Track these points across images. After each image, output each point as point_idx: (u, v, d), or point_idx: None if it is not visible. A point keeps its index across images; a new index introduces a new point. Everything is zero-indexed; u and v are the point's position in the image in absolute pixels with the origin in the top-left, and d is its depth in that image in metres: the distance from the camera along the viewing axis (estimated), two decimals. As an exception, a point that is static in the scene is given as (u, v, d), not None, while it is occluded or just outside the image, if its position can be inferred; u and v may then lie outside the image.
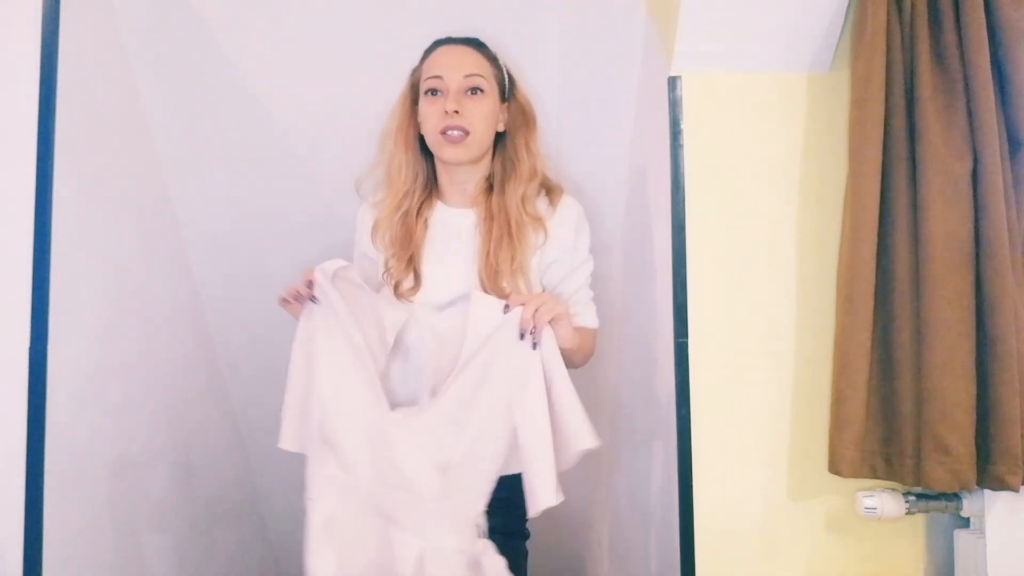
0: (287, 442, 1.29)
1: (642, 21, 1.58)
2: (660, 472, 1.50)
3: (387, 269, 1.35)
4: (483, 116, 1.33)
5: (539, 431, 1.18)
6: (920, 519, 1.43)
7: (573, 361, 1.28)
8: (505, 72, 1.39)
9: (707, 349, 1.40)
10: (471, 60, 1.35)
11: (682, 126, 1.42)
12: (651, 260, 1.54)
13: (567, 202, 1.37)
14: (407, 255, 1.34)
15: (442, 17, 1.41)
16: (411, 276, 1.33)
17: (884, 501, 1.37)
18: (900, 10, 1.36)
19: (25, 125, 1.30)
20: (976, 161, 1.32)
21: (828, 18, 1.39)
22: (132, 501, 1.56)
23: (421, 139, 1.38)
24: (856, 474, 1.35)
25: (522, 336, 1.18)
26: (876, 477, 1.36)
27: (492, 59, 1.38)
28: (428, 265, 1.34)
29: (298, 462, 1.27)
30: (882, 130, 1.34)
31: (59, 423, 1.32)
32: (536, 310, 1.18)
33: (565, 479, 1.37)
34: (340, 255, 1.37)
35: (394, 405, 1.26)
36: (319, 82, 1.66)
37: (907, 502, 1.38)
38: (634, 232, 1.67)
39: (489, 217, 1.33)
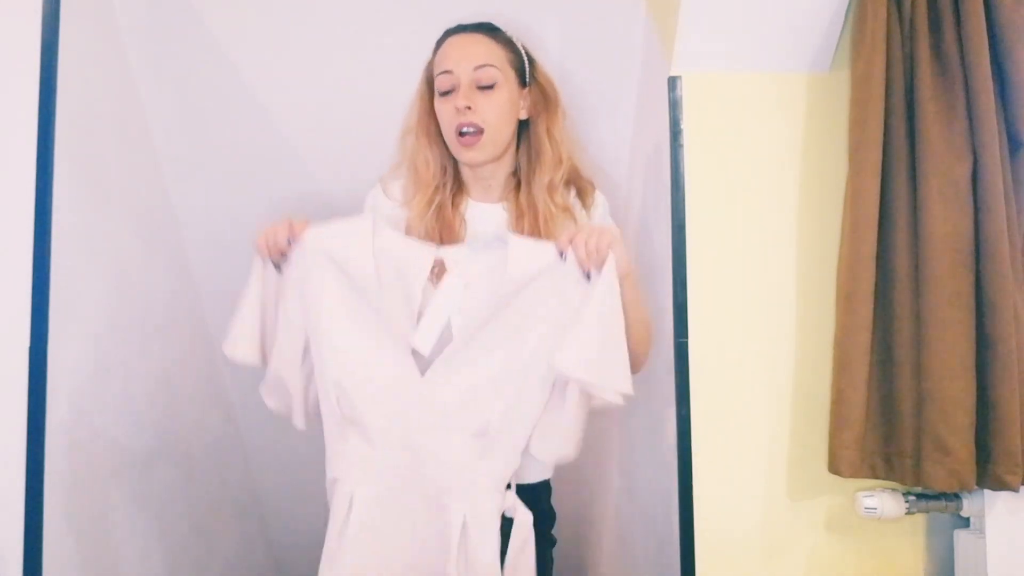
0: (240, 349, 1.23)
1: (642, 21, 1.58)
2: (660, 472, 1.50)
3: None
4: (497, 111, 1.27)
5: (611, 323, 1.12)
6: (920, 519, 1.43)
7: (637, 359, 1.22)
8: (524, 54, 1.33)
9: (707, 349, 1.40)
10: (482, 50, 1.28)
11: (682, 126, 1.41)
12: (651, 260, 1.54)
13: (599, 200, 1.34)
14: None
15: (442, 18, 1.40)
16: None
17: (884, 501, 1.37)
18: (900, 10, 1.36)
19: (25, 125, 1.30)
20: (976, 161, 1.32)
21: (828, 18, 1.39)
22: (132, 501, 1.56)
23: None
24: (856, 474, 1.35)
25: (589, 276, 1.13)
26: (876, 477, 1.36)
27: (506, 43, 1.31)
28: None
29: (298, 462, 1.27)
30: (882, 130, 1.34)
31: (59, 423, 1.32)
32: (592, 246, 1.13)
33: (566, 479, 1.38)
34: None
35: (422, 366, 1.18)
36: (319, 82, 1.66)
37: (907, 502, 1.38)
38: (634, 232, 1.67)
39: (520, 215, 1.28)
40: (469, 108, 1.25)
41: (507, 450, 1.17)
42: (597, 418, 1.22)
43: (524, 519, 1.19)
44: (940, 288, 1.30)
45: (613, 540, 1.90)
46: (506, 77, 1.29)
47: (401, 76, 1.41)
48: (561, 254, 1.15)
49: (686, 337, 1.39)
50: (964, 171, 1.32)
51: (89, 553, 1.42)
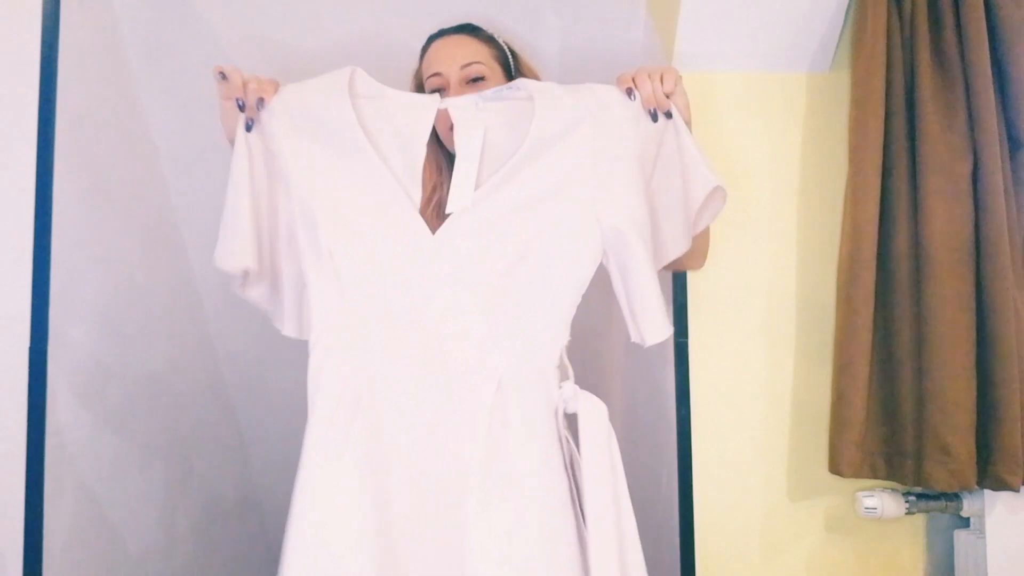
0: (233, 258, 1.08)
1: (642, 21, 1.58)
2: (660, 472, 1.50)
3: None
4: None
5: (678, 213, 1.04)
6: (920, 519, 1.43)
7: (695, 258, 1.15)
8: (507, 49, 1.34)
9: (707, 349, 1.40)
10: (466, 49, 1.30)
11: (682, 126, 1.41)
12: (651, 260, 1.54)
13: None
14: None
15: (442, 18, 1.40)
16: None
17: (884, 501, 1.37)
18: (900, 10, 1.36)
19: (25, 125, 1.30)
20: (976, 161, 1.32)
21: (828, 18, 1.39)
22: (132, 501, 1.56)
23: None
24: (856, 474, 1.35)
25: (655, 117, 1.06)
26: (876, 477, 1.36)
27: (488, 40, 1.33)
28: None
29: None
30: (882, 130, 1.34)
31: (59, 423, 1.32)
32: (658, 84, 1.07)
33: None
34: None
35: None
36: (319, 82, 1.66)
37: (907, 502, 1.38)
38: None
39: None
40: None
41: (546, 318, 1.01)
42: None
43: (588, 409, 1.01)
44: (940, 288, 1.30)
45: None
46: (492, 72, 1.30)
47: (401, 79, 1.41)
48: (629, 92, 1.06)
49: (686, 337, 1.39)
50: (964, 171, 1.32)
51: (89, 553, 1.42)
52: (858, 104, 1.36)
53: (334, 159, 1.07)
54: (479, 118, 1.09)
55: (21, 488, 1.26)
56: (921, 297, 1.32)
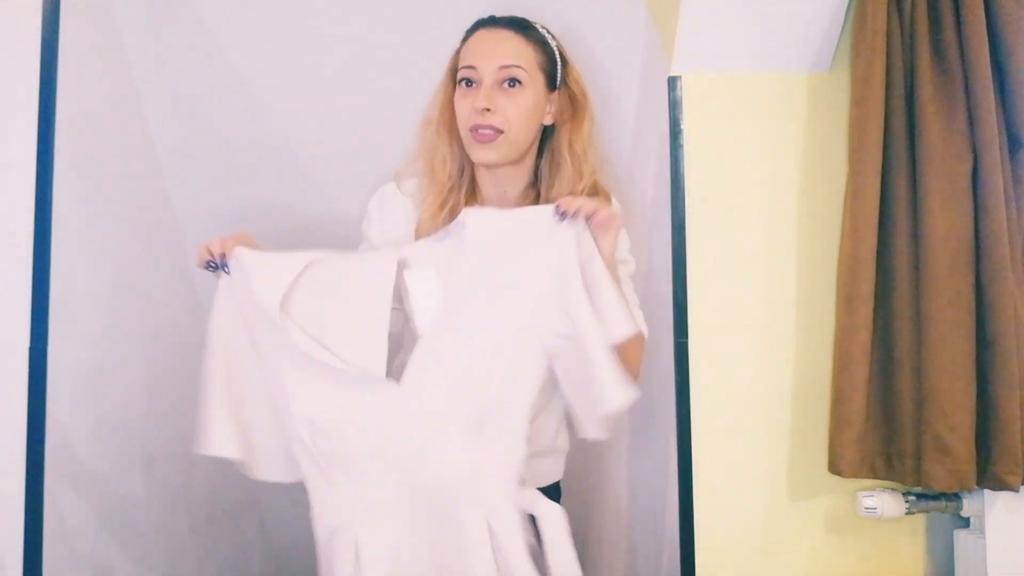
0: (221, 447, 1.08)
1: (642, 21, 1.58)
2: (660, 472, 1.50)
3: None
4: (520, 112, 1.19)
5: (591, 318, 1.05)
6: (920, 519, 1.43)
7: (628, 368, 1.12)
8: (557, 55, 1.24)
9: (707, 349, 1.40)
10: (510, 48, 1.20)
11: (682, 126, 1.41)
12: (651, 260, 1.54)
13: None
14: None
15: (443, 19, 1.40)
16: None
17: (884, 501, 1.37)
18: (900, 10, 1.36)
19: (25, 125, 1.30)
20: (976, 161, 1.32)
21: (828, 18, 1.39)
22: (132, 501, 1.56)
23: None
24: (856, 474, 1.35)
25: (562, 216, 1.06)
26: (876, 477, 1.36)
27: (539, 42, 1.23)
28: None
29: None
30: (882, 130, 1.34)
31: (59, 423, 1.32)
32: (578, 206, 1.07)
33: (567, 480, 1.37)
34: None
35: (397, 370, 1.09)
36: (319, 81, 1.66)
37: (907, 502, 1.38)
38: (634, 232, 1.67)
39: None
40: (488, 110, 1.17)
41: (509, 436, 1.08)
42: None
43: (548, 512, 1.10)
44: (940, 288, 1.30)
45: (614, 540, 1.90)
46: (532, 79, 1.21)
47: (403, 74, 1.41)
48: (561, 213, 1.08)
49: (686, 337, 1.39)
50: (964, 171, 1.32)
51: (89, 553, 1.42)
52: (858, 104, 1.36)
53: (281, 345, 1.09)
54: (429, 259, 1.12)
55: (21, 488, 1.26)
56: (921, 297, 1.32)
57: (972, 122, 1.32)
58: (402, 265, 1.11)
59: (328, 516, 1.10)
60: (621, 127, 1.69)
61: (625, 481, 1.79)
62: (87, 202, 1.44)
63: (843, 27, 1.41)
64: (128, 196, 1.60)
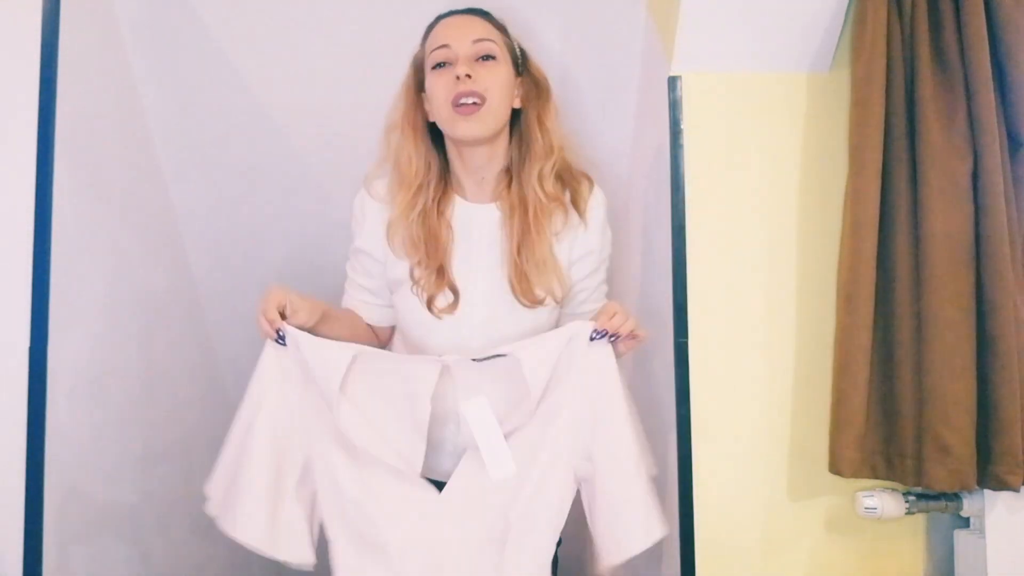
0: (246, 531, 1.14)
1: (642, 21, 1.58)
2: (660, 472, 1.50)
3: (415, 282, 1.23)
4: (497, 82, 1.21)
5: (626, 452, 1.13)
6: (920, 519, 1.43)
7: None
8: (516, 44, 1.29)
9: (707, 349, 1.40)
10: (479, 27, 1.23)
11: (682, 126, 1.41)
12: (651, 260, 1.54)
13: (598, 200, 1.29)
14: (436, 264, 1.22)
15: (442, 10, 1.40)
16: (447, 291, 1.22)
17: (884, 501, 1.37)
18: (900, 10, 1.36)
19: (25, 125, 1.30)
20: (976, 161, 1.31)
21: (828, 18, 1.39)
22: (132, 501, 1.56)
23: (431, 128, 1.27)
24: (856, 474, 1.35)
25: (593, 338, 1.13)
26: (876, 477, 1.36)
27: (502, 28, 1.27)
28: (461, 277, 1.23)
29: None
30: (882, 130, 1.34)
31: (59, 423, 1.32)
32: (616, 327, 1.14)
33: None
34: (340, 253, 1.37)
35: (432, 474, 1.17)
36: (319, 82, 1.66)
37: (907, 502, 1.38)
38: (634, 232, 1.67)
39: (511, 211, 1.23)
40: (469, 76, 1.18)
41: (531, 555, 1.13)
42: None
43: None
44: (940, 288, 1.30)
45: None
46: (503, 57, 1.24)
47: (401, 75, 1.41)
48: (596, 334, 1.15)
49: (686, 337, 1.39)
50: (964, 171, 1.32)
51: (89, 553, 1.42)
52: (858, 104, 1.36)
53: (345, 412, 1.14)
54: (479, 382, 1.15)
55: (21, 488, 1.26)
56: (921, 297, 1.32)
57: (972, 122, 1.32)
58: (443, 372, 1.15)
59: None
60: (621, 127, 1.69)
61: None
62: (87, 202, 1.44)
63: (843, 27, 1.41)
64: (128, 196, 1.60)
